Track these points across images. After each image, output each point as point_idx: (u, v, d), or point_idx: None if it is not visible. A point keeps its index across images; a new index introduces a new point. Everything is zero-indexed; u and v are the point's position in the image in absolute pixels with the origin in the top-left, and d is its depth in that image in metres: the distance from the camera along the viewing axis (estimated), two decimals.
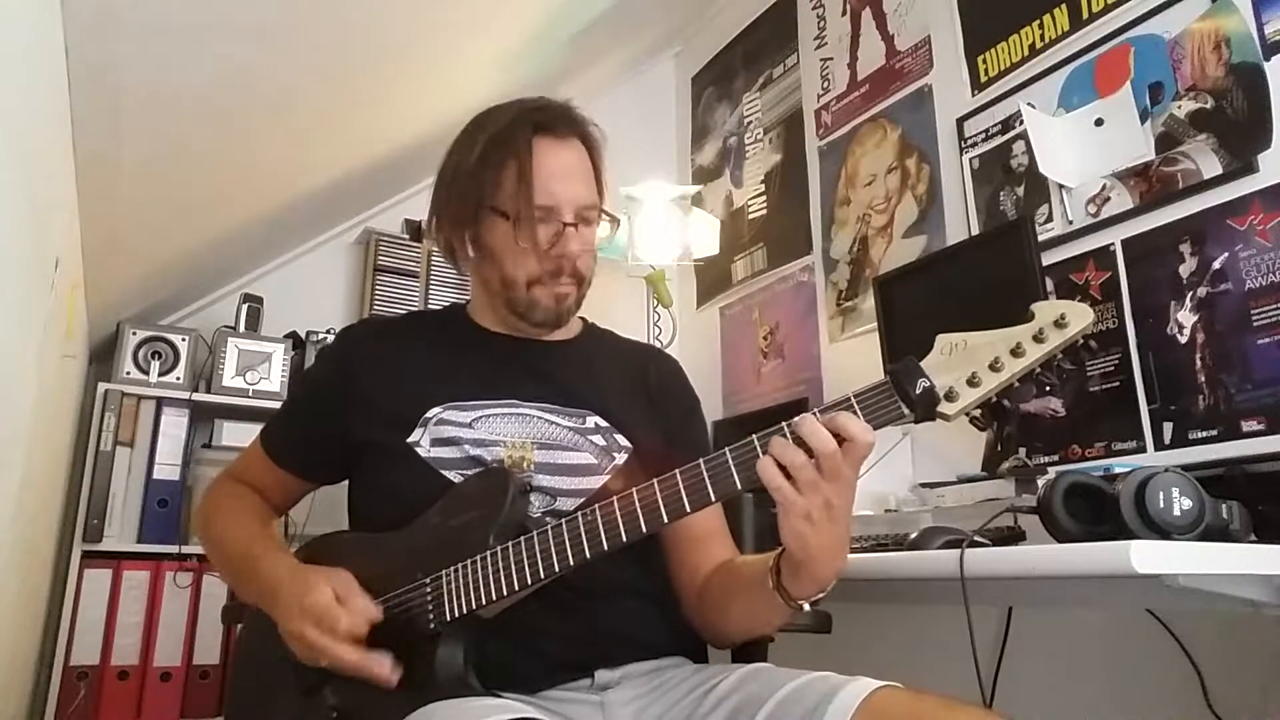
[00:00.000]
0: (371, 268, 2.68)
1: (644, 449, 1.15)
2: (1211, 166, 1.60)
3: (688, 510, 0.90)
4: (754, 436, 0.89)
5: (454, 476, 1.08)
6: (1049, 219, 1.87)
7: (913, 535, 1.30)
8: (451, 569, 0.99)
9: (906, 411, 0.86)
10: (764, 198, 2.83)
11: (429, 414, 1.11)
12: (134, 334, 2.27)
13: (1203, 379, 1.57)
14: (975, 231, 2.04)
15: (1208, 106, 1.62)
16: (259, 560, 1.09)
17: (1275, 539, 1.09)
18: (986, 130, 2.04)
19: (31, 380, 1.35)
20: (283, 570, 1.05)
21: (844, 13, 2.56)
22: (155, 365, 2.27)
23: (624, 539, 0.92)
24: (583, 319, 1.29)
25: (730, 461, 0.89)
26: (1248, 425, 1.50)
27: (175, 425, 2.25)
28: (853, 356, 2.36)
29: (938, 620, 1.79)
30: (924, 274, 1.95)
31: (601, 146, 1.19)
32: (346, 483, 1.22)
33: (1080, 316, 0.85)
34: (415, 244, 2.73)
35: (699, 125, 3.23)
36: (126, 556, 2.15)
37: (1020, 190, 1.95)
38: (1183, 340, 1.61)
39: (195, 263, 2.40)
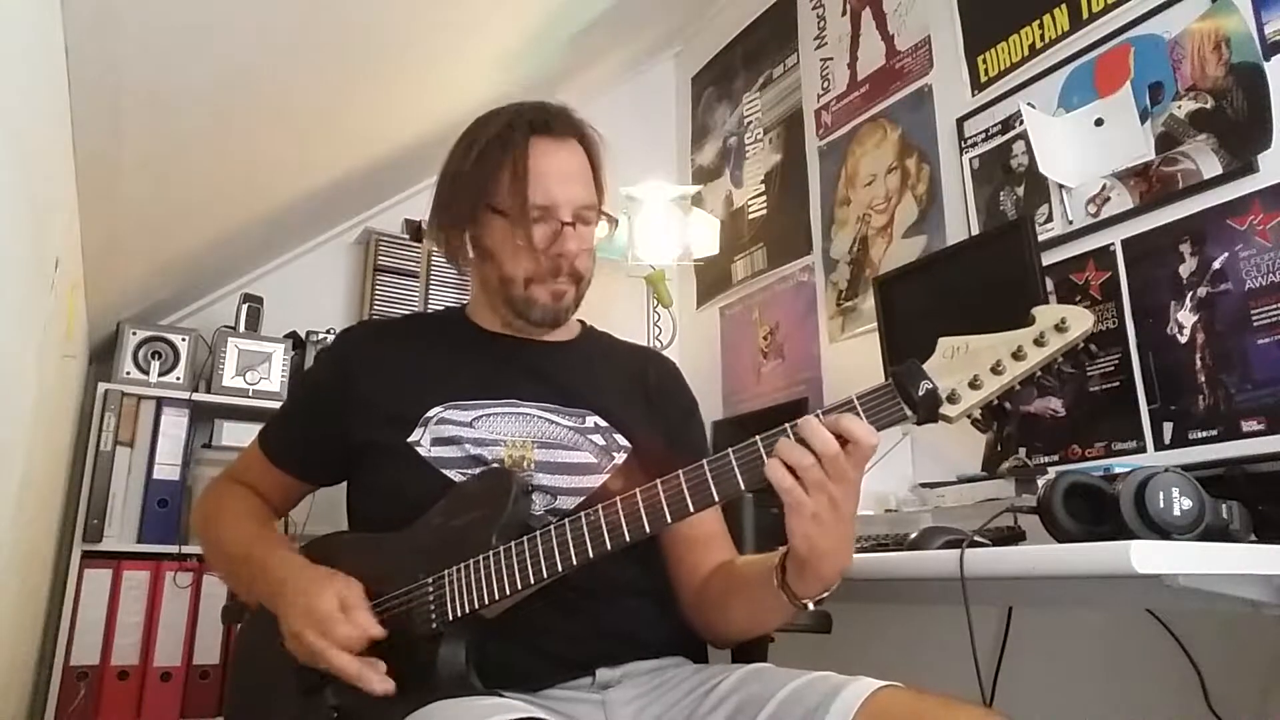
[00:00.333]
0: (371, 268, 2.68)
1: (643, 449, 1.15)
2: (1211, 166, 1.60)
3: (691, 510, 0.91)
4: (758, 438, 0.89)
5: (455, 476, 1.08)
6: (1049, 219, 1.87)
7: (913, 535, 1.30)
8: (454, 569, 0.99)
9: (909, 413, 0.87)
10: (764, 198, 2.83)
11: (429, 414, 1.11)
12: (134, 334, 2.27)
13: (1203, 379, 1.57)
14: (975, 231, 2.04)
15: (1208, 106, 1.62)
16: (263, 559, 1.09)
17: (1275, 539, 1.09)
18: (986, 130, 2.05)
19: (31, 380, 1.35)
20: (291, 565, 1.05)
21: (844, 13, 2.56)
22: (155, 365, 2.27)
23: (627, 539, 0.93)
24: (581, 321, 1.29)
25: (734, 462, 0.89)
26: (1248, 425, 1.50)
27: (175, 425, 2.25)
28: (853, 356, 2.36)
29: (938, 620, 1.79)
30: (924, 274, 1.95)
31: (600, 148, 1.20)
32: (345, 483, 1.22)
33: (1081, 321, 0.86)
34: (415, 244, 2.73)
35: (699, 125, 3.23)
36: (126, 556, 2.14)
37: (1020, 190, 1.95)
38: (1183, 340, 1.61)
39: (195, 263, 2.40)
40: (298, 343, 2.46)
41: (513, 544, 0.97)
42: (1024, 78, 1.97)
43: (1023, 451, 1.62)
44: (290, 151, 2.18)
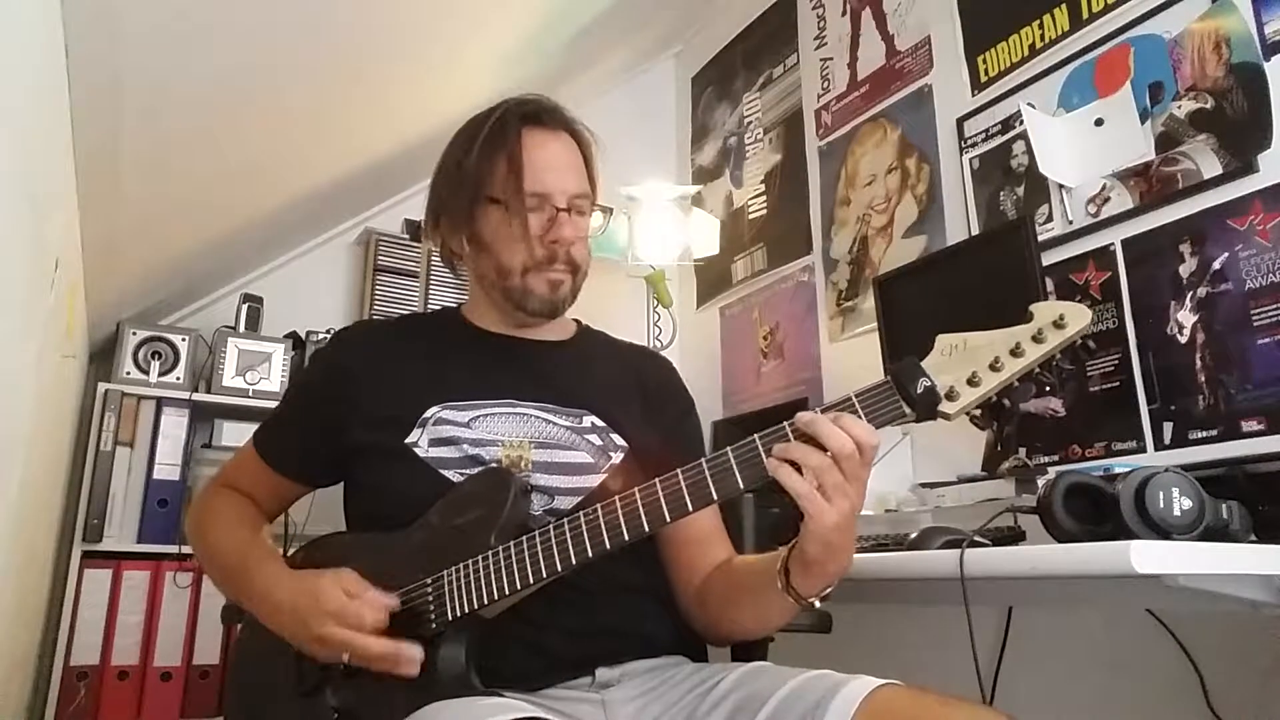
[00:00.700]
0: (371, 268, 2.68)
1: (639, 448, 1.15)
2: (1211, 166, 1.60)
3: (690, 510, 0.91)
4: (756, 437, 0.89)
5: (453, 476, 1.08)
6: (1049, 219, 1.87)
7: (913, 535, 1.30)
8: (453, 569, 0.99)
9: (908, 411, 0.87)
10: (764, 198, 2.83)
11: (426, 414, 1.11)
12: (134, 334, 2.27)
13: (1203, 379, 1.57)
14: (975, 231, 2.04)
15: (1208, 106, 1.62)
16: (254, 570, 1.09)
17: (1275, 539, 1.09)
18: (986, 130, 2.05)
19: (31, 380, 1.35)
20: (280, 582, 1.05)
21: (844, 13, 2.56)
22: (155, 365, 2.27)
23: (626, 538, 0.93)
24: (577, 321, 1.29)
25: (733, 461, 0.89)
26: (1248, 425, 1.50)
27: (175, 425, 2.25)
28: (853, 356, 2.36)
29: (938, 620, 1.79)
30: (924, 274, 1.95)
31: (591, 143, 1.20)
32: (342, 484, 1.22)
33: (1078, 317, 0.86)
34: (415, 244, 2.73)
35: (699, 125, 3.23)
36: (126, 556, 2.14)
37: (1020, 190, 1.95)
38: (1183, 340, 1.61)
39: (195, 263, 2.40)
40: (298, 343, 2.46)
41: (511, 544, 0.97)
42: (1024, 78, 1.97)
43: (1023, 451, 1.62)
44: (290, 151, 2.18)
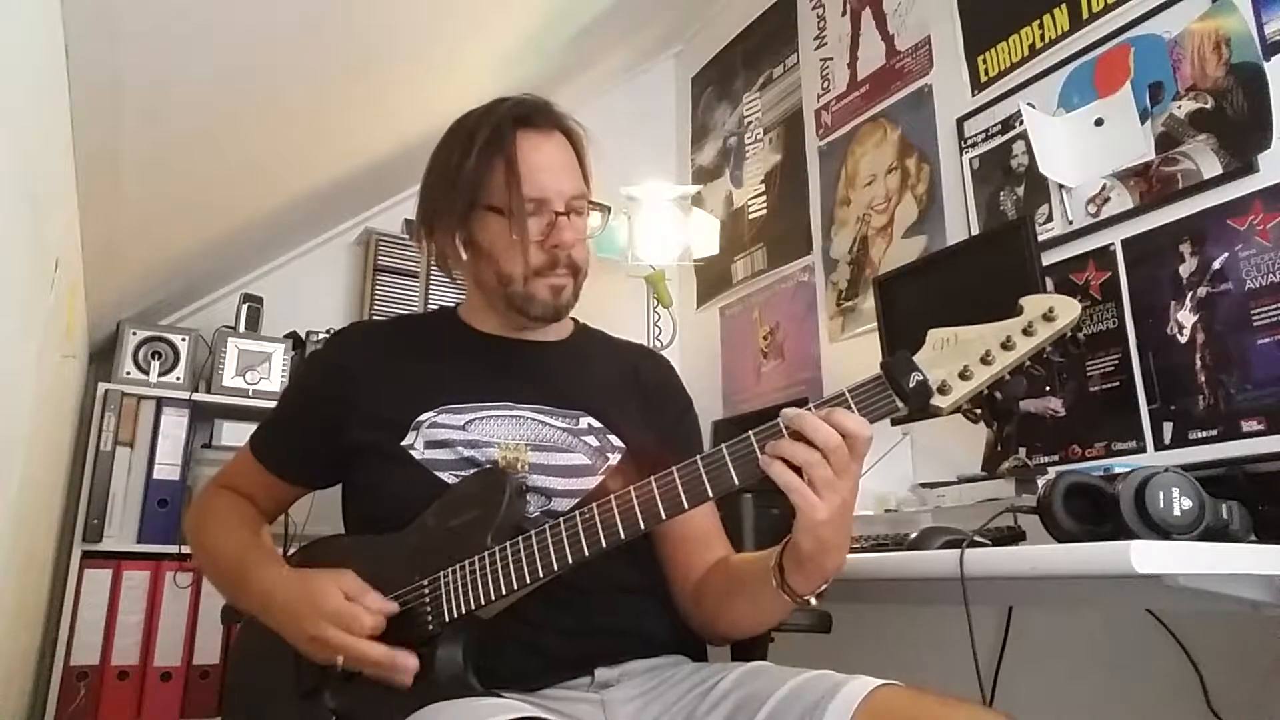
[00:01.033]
0: (371, 268, 2.68)
1: (637, 449, 1.15)
2: (1211, 166, 1.60)
3: (685, 507, 0.91)
4: (750, 433, 0.89)
5: (448, 478, 1.08)
6: (1049, 219, 1.87)
7: (913, 535, 1.30)
8: (449, 570, 0.99)
9: (900, 405, 0.87)
10: (764, 198, 2.83)
11: (422, 417, 1.11)
12: (134, 334, 2.27)
13: (1203, 379, 1.57)
14: (975, 231, 2.04)
15: (1208, 106, 1.62)
16: (252, 570, 1.09)
17: (1275, 539, 1.09)
18: (986, 130, 2.04)
19: (31, 380, 1.35)
20: (280, 581, 1.05)
21: (844, 13, 2.56)
22: (155, 365, 2.27)
23: (622, 536, 0.93)
24: (574, 320, 1.28)
25: (727, 458, 0.89)
26: (1248, 425, 1.50)
27: (175, 425, 2.25)
28: (853, 356, 2.36)
29: (938, 620, 1.79)
30: (924, 274, 1.95)
31: (583, 139, 1.19)
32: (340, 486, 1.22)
33: (1068, 309, 0.87)
34: (415, 244, 2.73)
35: (699, 125, 3.23)
36: (126, 556, 2.14)
37: (1020, 190, 1.95)
38: (1183, 340, 1.61)
39: (195, 263, 2.40)
40: (298, 343, 2.46)
41: (508, 544, 0.97)
42: (1024, 78, 1.96)
43: (1023, 451, 1.62)
44: (290, 151, 2.18)
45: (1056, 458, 1.77)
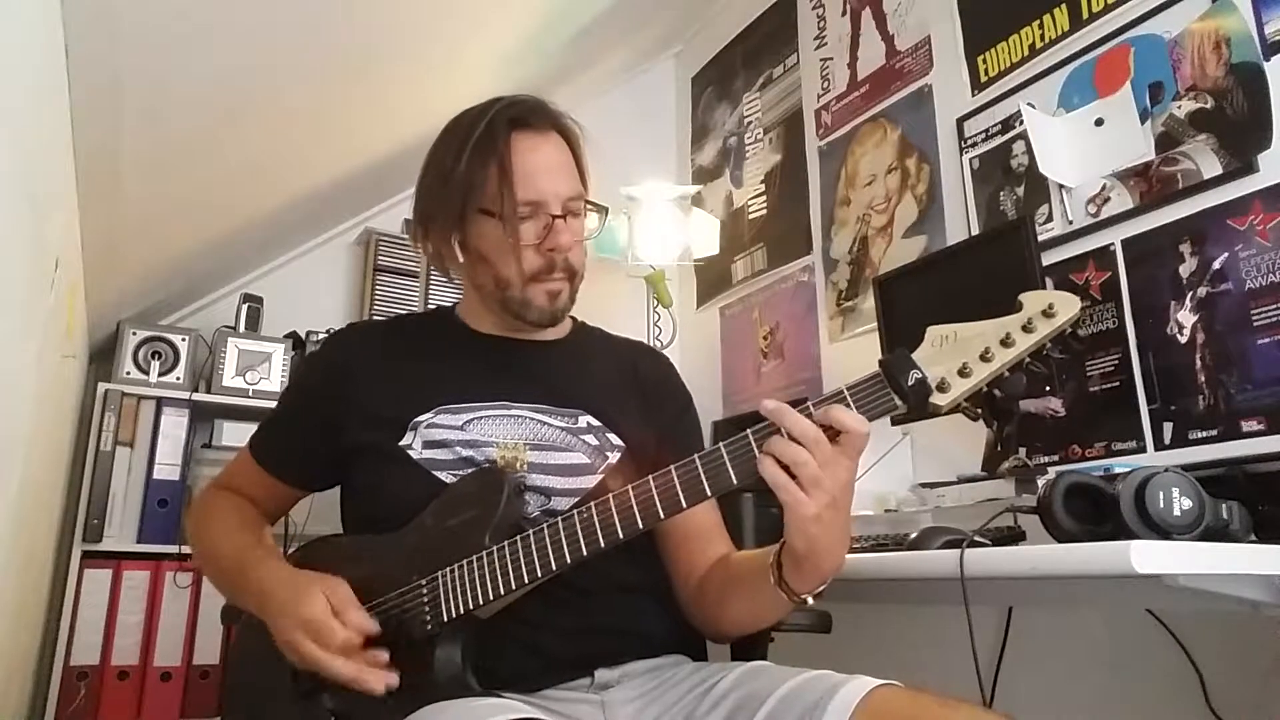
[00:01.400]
0: (371, 268, 2.68)
1: (637, 447, 1.15)
2: (1211, 166, 1.60)
3: (684, 506, 0.91)
4: (749, 431, 0.89)
5: (447, 478, 1.08)
6: (1049, 219, 1.87)
7: (913, 535, 1.30)
8: (448, 570, 0.99)
9: (899, 403, 0.87)
10: (764, 198, 2.83)
11: (420, 418, 1.11)
12: (134, 334, 2.27)
13: (1203, 379, 1.57)
14: (975, 231, 2.04)
15: (1208, 106, 1.62)
16: (251, 569, 1.08)
17: (1275, 539, 1.09)
18: (986, 130, 2.04)
19: (31, 380, 1.35)
20: (277, 578, 1.05)
21: (844, 13, 2.56)
22: (155, 365, 2.27)
23: (620, 536, 0.93)
24: (572, 318, 1.28)
25: (725, 456, 0.89)
26: (1248, 425, 1.50)
27: (175, 425, 2.25)
28: (853, 356, 2.36)
29: (938, 620, 1.79)
30: (924, 274, 1.95)
31: (579, 138, 1.18)
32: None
33: (1068, 306, 0.86)
34: (413, 244, 2.72)
35: (699, 125, 3.23)
36: (126, 556, 2.14)
37: (1020, 190, 1.95)
38: (1183, 340, 1.61)
39: (195, 263, 2.40)
40: (298, 343, 2.46)
41: (506, 544, 0.97)
42: (1024, 78, 1.96)
43: (1023, 451, 1.62)
44: (290, 151, 2.17)
45: (1056, 458, 1.77)
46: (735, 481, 0.89)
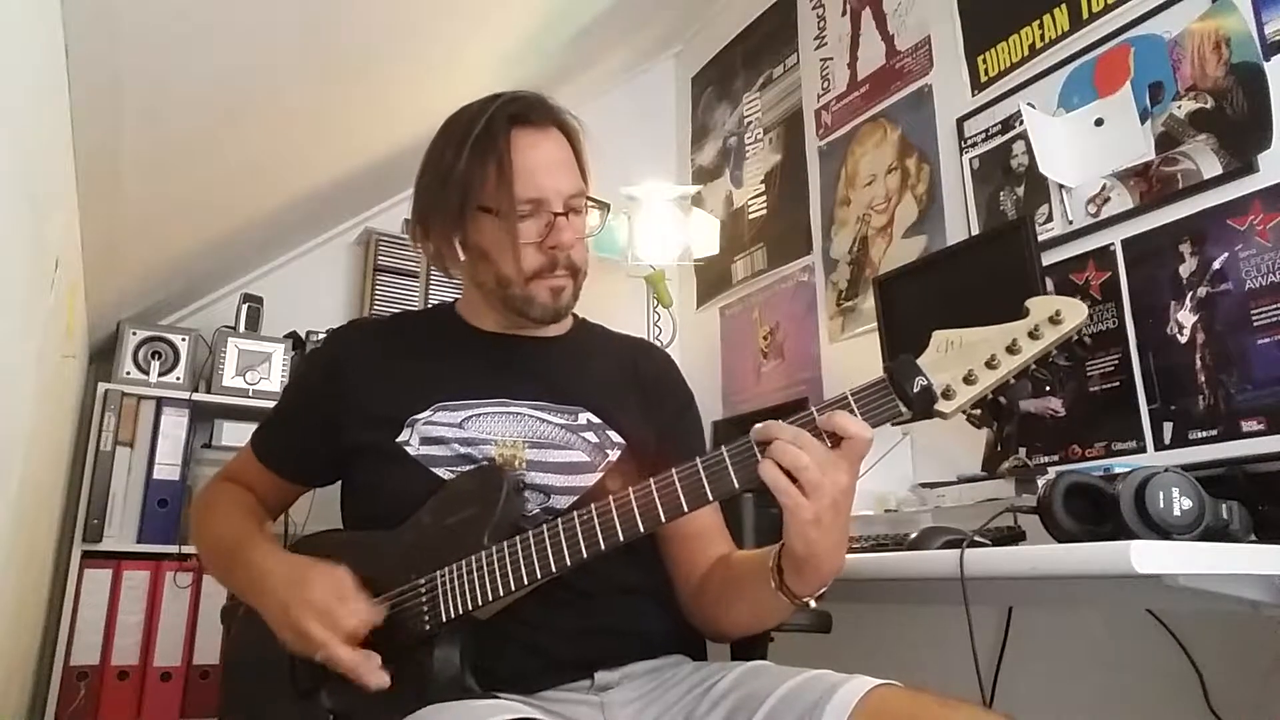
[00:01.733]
0: (371, 268, 2.68)
1: (637, 444, 1.14)
2: (1211, 166, 1.60)
3: (685, 510, 0.90)
4: (751, 435, 0.89)
5: (445, 474, 1.07)
6: (1049, 219, 1.87)
7: (913, 535, 1.30)
8: (446, 570, 0.98)
9: (904, 410, 0.86)
10: (764, 198, 2.83)
11: (419, 415, 1.10)
12: (134, 334, 2.27)
13: (1203, 379, 1.57)
14: (975, 231, 2.04)
15: (1208, 106, 1.62)
16: (250, 548, 1.08)
17: (1275, 539, 1.09)
18: (986, 130, 2.04)
19: (31, 380, 1.35)
20: (277, 558, 1.05)
21: (844, 13, 2.56)
22: (155, 365, 2.27)
23: (620, 538, 0.92)
24: (575, 314, 1.27)
25: (728, 461, 0.89)
26: (1248, 425, 1.50)
27: (175, 425, 2.25)
28: (853, 356, 2.36)
29: (938, 620, 1.79)
30: (924, 274, 1.95)
31: (580, 134, 1.17)
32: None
33: (1075, 312, 0.85)
34: (412, 243, 2.72)
35: (699, 125, 3.23)
36: (126, 556, 2.14)
37: (1020, 190, 1.95)
38: (1183, 340, 1.61)
39: (195, 263, 2.40)
40: (298, 343, 2.46)
41: (505, 544, 0.96)
42: (1024, 78, 1.96)
43: (1023, 451, 1.62)
44: (290, 151, 2.17)
45: (1056, 458, 1.77)
46: (737, 486, 0.88)
